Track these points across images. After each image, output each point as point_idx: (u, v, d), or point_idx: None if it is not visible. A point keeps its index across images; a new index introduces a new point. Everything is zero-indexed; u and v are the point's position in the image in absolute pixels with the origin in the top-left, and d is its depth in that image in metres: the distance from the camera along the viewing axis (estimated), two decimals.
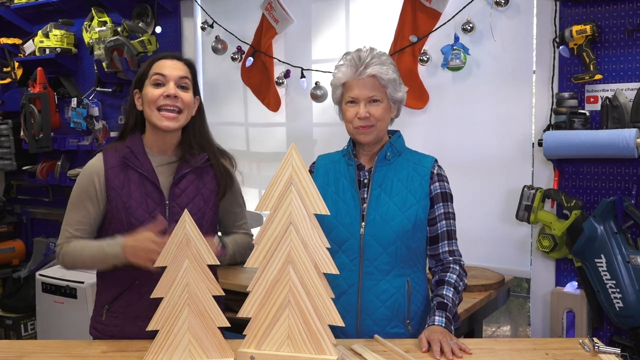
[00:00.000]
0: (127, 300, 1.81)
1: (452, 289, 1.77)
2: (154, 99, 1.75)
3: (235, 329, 1.73)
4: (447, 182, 1.86)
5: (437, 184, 1.84)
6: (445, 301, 1.74)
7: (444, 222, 1.84)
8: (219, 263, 1.59)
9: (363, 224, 1.79)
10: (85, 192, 1.80)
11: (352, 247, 1.79)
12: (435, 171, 1.84)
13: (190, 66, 1.85)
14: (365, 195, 1.81)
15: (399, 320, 1.80)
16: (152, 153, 1.84)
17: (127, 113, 1.88)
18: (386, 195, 1.80)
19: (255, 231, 1.97)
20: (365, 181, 1.83)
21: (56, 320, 3.47)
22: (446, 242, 1.85)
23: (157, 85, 1.76)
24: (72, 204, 1.82)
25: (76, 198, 1.82)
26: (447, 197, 1.85)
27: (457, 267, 1.83)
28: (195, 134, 1.87)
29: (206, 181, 1.87)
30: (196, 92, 1.87)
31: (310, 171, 1.92)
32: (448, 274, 1.80)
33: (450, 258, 1.84)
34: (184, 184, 1.83)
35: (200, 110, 1.91)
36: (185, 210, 1.56)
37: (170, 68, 1.78)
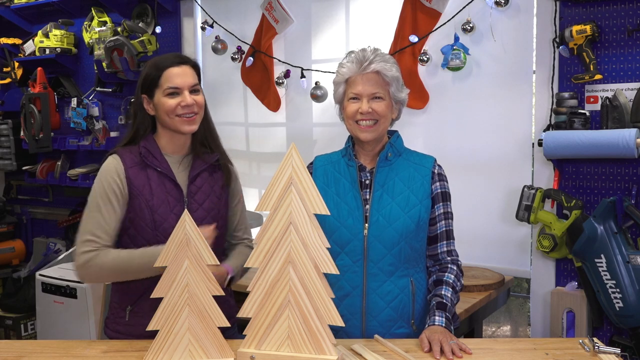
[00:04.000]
0: (152, 299, 1.78)
1: (450, 289, 1.77)
2: (172, 109, 1.78)
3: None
4: (447, 182, 1.87)
5: (437, 183, 1.84)
6: (445, 301, 1.74)
7: (443, 222, 1.84)
8: (218, 263, 1.59)
9: (366, 225, 1.78)
10: (109, 191, 1.77)
11: (356, 249, 1.79)
12: (436, 171, 1.85)
13: (196, 67, 1.87)
14: (368, 197, 1.81)
15: (404, 321, 1.80)
16: (166, 153, 1.86)
17: (138, 118, 1.86)
18: (388, 196, 1.80)
19: (255, 231, 1.97)
20: (367, 182, 1.82)
21: (56, 320, 3.47)
22: (445, 242, 1.85)
23: (172, 95, 1.78)
24: (94, 208, 1.77)
25: (99, 200, 1.77)
26: (446, 196, 1.86)
27: (455, 268, 1.83)
28: (204, 131, 1.90)
29: (217, 178, 1.91)
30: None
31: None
32: (446, 274, 1.80)
33: (449, 258, 1.85)
34: (200, 182, 1.86)
35: (205, 107, 1.92)
36: (185, 210, 1.56)
37: (181, 77, 1.79)
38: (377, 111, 1.77)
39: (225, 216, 1.93)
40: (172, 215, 1.80)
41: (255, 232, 1.90)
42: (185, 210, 1.56)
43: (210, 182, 1.89)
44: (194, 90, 1.82)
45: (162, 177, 1.82)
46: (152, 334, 1.76)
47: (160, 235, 1.78)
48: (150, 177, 1.81)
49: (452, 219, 1.87)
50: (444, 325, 1.69)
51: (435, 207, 1.83)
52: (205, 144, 1.90)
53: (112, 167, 1.80)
